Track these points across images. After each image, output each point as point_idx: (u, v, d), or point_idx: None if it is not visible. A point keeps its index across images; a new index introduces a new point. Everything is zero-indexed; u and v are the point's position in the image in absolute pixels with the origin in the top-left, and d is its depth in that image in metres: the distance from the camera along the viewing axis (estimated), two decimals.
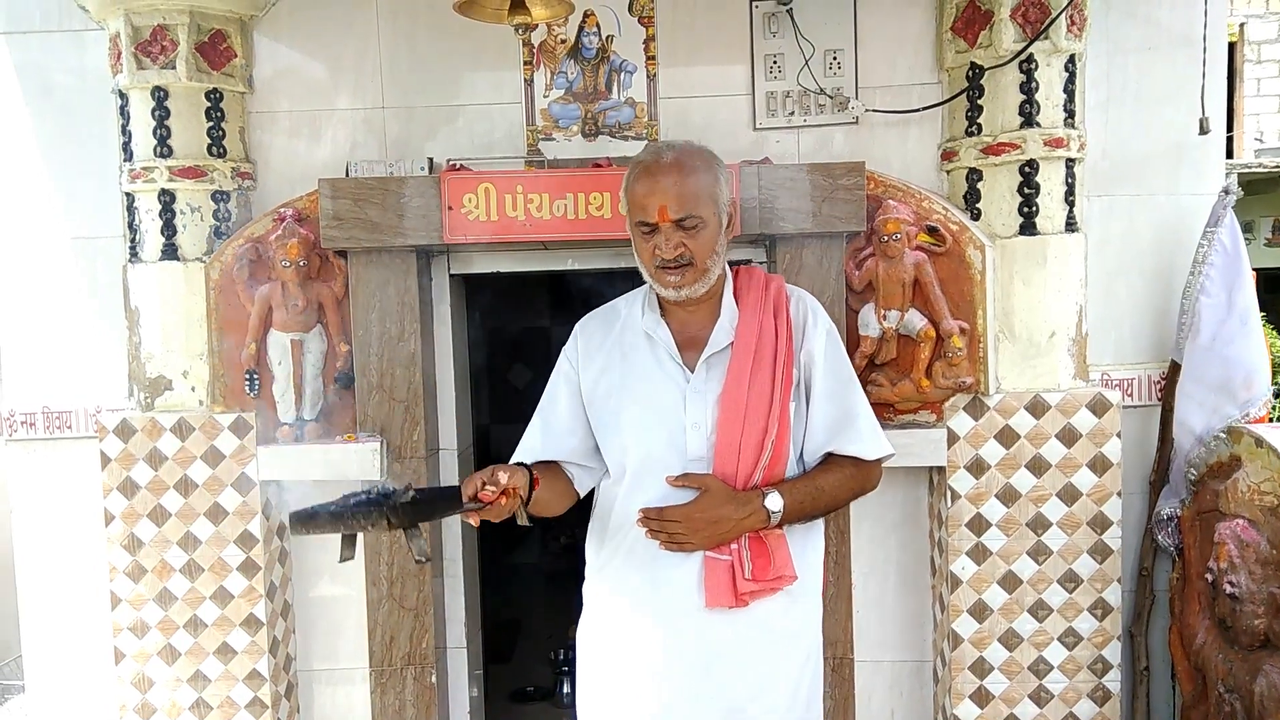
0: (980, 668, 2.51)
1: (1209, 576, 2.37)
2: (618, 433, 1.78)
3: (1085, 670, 2.50)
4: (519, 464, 1.77)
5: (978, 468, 2.50)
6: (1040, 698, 2.51)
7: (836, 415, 1.77)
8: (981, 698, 2.51)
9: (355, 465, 2.55)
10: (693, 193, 1.69)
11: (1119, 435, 2.49)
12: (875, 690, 2.69)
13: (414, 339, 2.57)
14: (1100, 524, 2.49)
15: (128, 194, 2.58)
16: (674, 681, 1.78)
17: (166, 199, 2.55)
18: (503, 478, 1.60)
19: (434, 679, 2.63)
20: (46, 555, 2.72)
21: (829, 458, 1.79)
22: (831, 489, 1.77)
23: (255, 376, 2.56)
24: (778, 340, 1.75)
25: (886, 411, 2.57)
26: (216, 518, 2.56)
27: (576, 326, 1.90)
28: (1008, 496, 2.50)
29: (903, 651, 2.70)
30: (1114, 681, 2.51)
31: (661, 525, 1.72)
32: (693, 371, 1.75)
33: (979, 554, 2.50)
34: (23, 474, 2.73)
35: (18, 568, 2.75)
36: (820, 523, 1.85)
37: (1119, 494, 2.50)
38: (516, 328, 4.70)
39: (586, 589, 1.93)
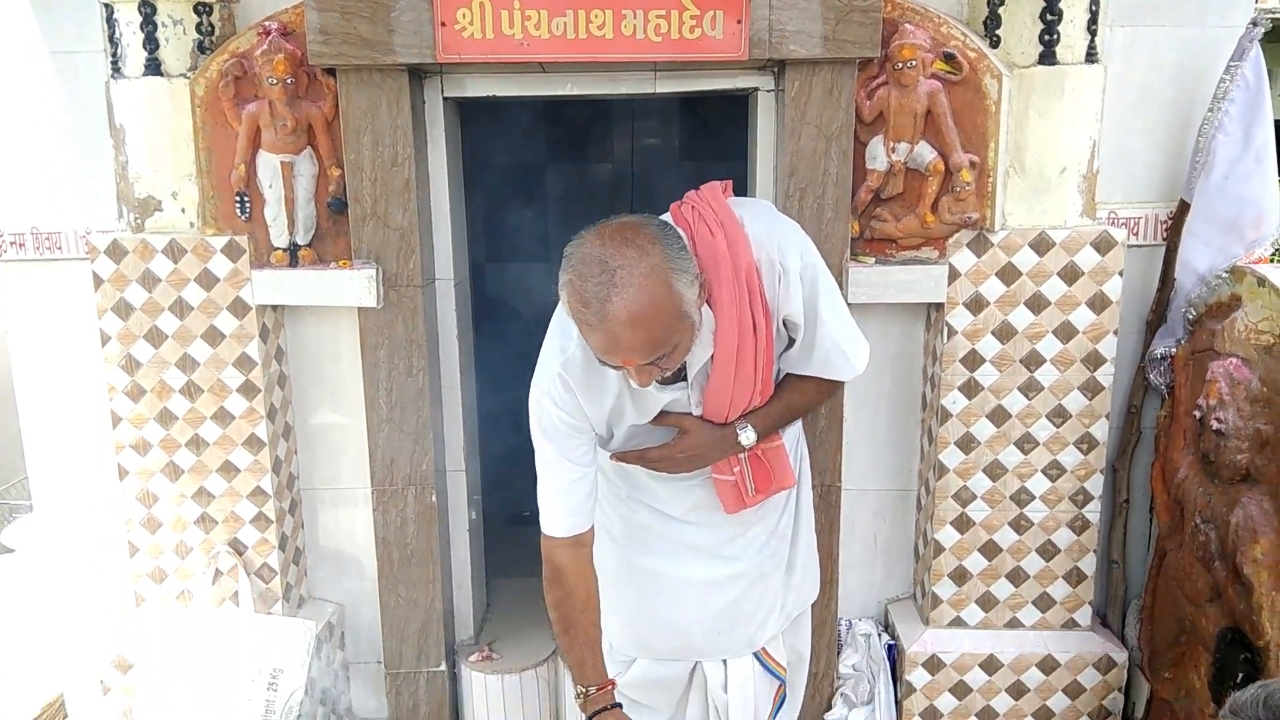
0: (963, 496, 2.59)
1: (1197, 413, 2.41)
2: (627, 438, 1.84)
3: (1066, 501, 2.58)
4: (617, 705, 1.78)
5: (976, 305, 2.50)
6: (1020, 525, 2.60)
7: (816, 353, 1.76)
8: (962, 524, 2.60)
9: (351, 292, 2.54)
10: (659, 337, 1.49)
11: (1121, 274, 2.48)
12: (859, 516, 2.78)
13: (408, 165, 2.50)
14: (1094, 361, 2.51)
15: (106, 4, 2.44)
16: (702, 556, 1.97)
17: (147, 10, 2.41)
18: None
19: (434, 499, 2.71)
20: (45, 376, 2.74)
21: None
22: (804, 404, 1.86)
23: (246, 199, 2.50)
24: (756, 335, 1.68)
25: (889, 247, 2.55)
26: (214, 340, 2.56)
27: (551, 390, 1.73)
28: (1004, 333, 2.51)
29: (888, 481, 2.77)
30: (1094, 512, 2.59)
31: (642, 462, 1.81)
32: (687, 381, 1.74)
33: (970, 389, 2.53)
34: (16, 295, 2.70)
35: (17, 388, 2.76)
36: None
37: (1115, 332, 2.51)
38: (512, 162, 4.59)
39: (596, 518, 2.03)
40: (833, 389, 1.88)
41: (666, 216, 1.70)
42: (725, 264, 1.63)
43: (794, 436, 2.00)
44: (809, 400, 1.87)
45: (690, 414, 1.78)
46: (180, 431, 2.60)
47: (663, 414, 1.79)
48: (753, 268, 1.65)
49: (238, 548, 2.66)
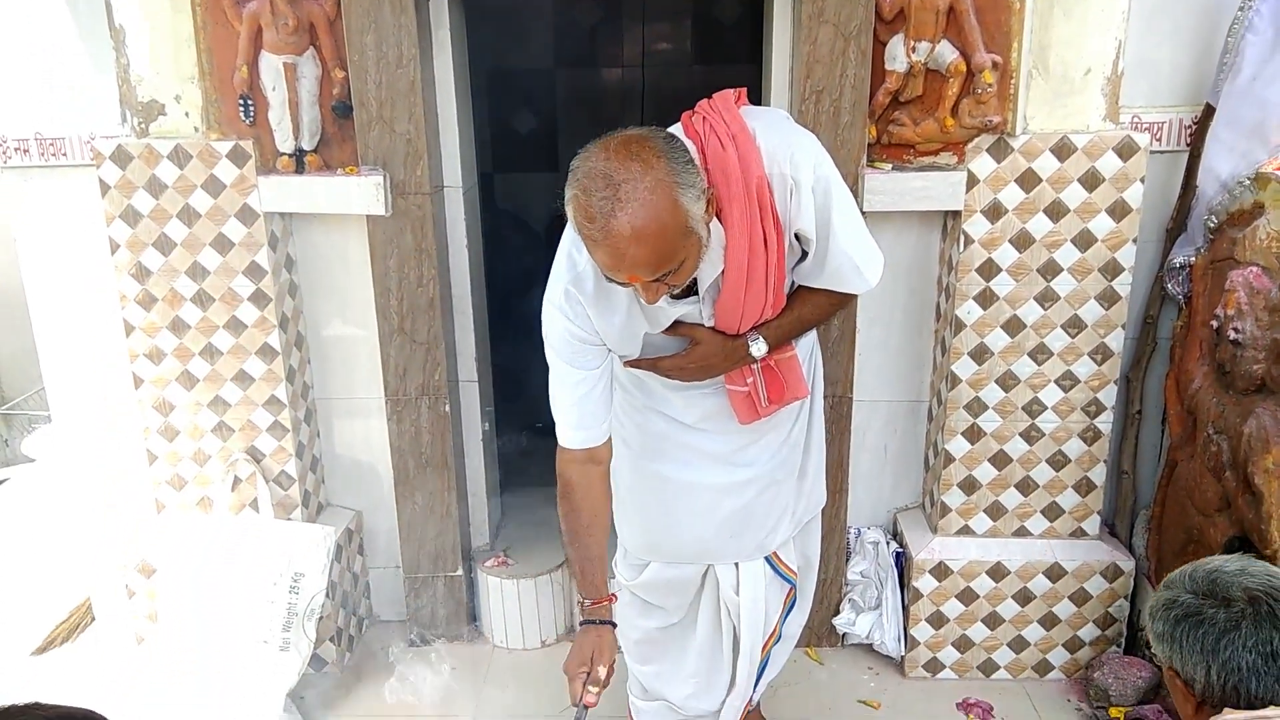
0: (975, 407, 2.58)
1: (1214, 323, 2.38)
2: (641, 349, 1.84)
3: (1079, 411, 2.57)
4: (607, 623, 1.81)
5: (994, 212, 2.46)
6: (1031, 436, 2.60)
7: (828, 267, 1.75)
8: (973, 434, 2.60)
9: (359, 200, 2.51)
10: (664, 253, 1.47)
11: (1142, 180, 2.42)
12: (870, 427, 2.79)
13: (413, 66, 2.44)
14: (1111, 270, 2.48)
15: None
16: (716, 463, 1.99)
17: None
18: (602, 673, 1.71)
19: (447, 409, 2.72)
20: (57, 285, 2.73)
21: None
22: (816, 316, 1.85)
23: (250, 102, 2.46)
24: (768, 250, 1.66)
25: (906, 153, 2.49)
26: (223, 248, 2.54)
27: (561, 304, 1.75)
28: (1022, 242, 2.47)
29: (900, 392, 2.77)
30: (1106, 423, 2.59)
31: (654, 369, 1.83)
32: (698, 296, 1.73)
33: (986, 299, 2.51)
34: (22, 203, 2.68)
35: (29, 298, 2.76)
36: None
37: (1134, 241, 2.46)
38: (519, 69, 4.49)
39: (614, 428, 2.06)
40: (845, 301, 1.87)
41: (677, 128, 1.67)
42: (736, 178, 1.60)
43: (807, 347, 2.00)
44: (821, 313, 1.87)
45: (702, 325, 1.78)
46: (193, 340, 2.60)
47: (675, 324, 1.79)
48: (764, 182, 1.62)
49: (255, 455, 2.69)
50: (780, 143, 1.64)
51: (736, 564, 2.09)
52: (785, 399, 1.89)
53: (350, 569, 2.90)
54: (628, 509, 2.13)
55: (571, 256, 1.73)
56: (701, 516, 2.04)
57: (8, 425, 4.13)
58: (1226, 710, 1.35)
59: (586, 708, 1.70)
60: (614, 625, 1.82)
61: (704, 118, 1.65)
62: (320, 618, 2.63)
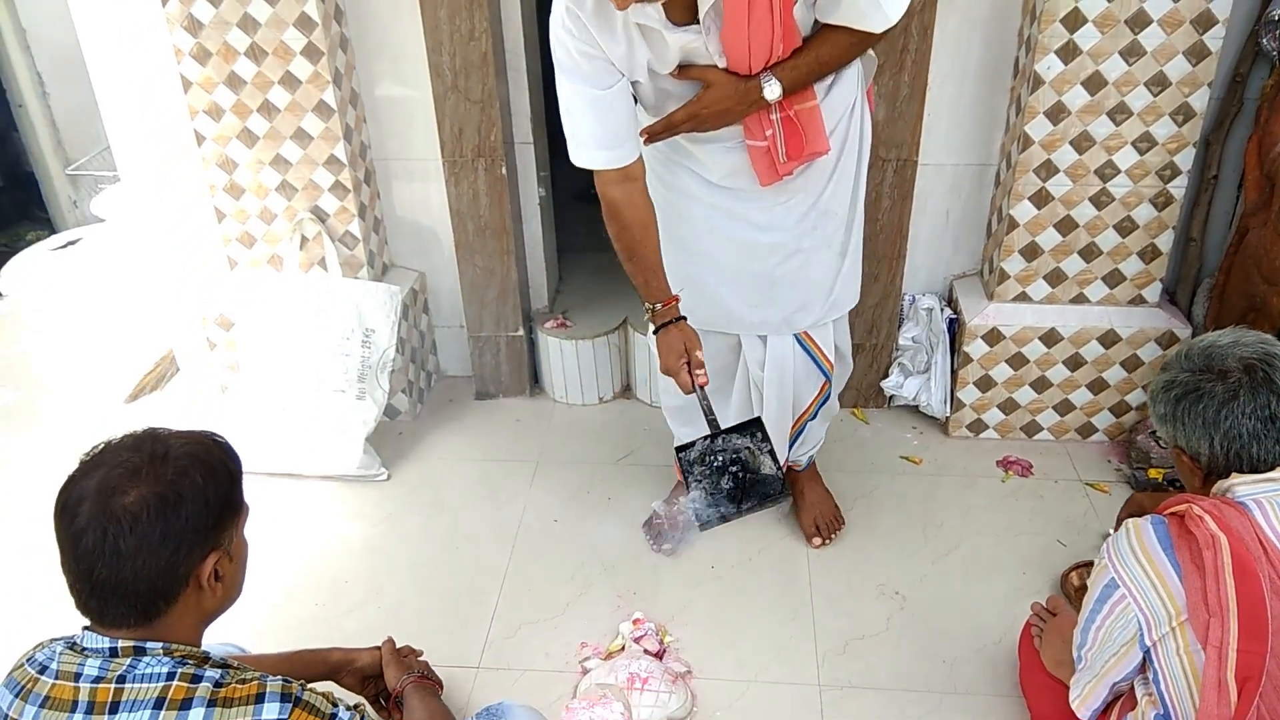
0: (1045, 170, 2.51)
1: None
2: (656, 99, 1.84)
3: (1153, 175, 2.49)
4: (681, 318, 1.88)
5: None
6: (1100, 201, 2.53)
7: (844, 4, 1.66)
8: (1041, 199, 2.54)
9: None
10: None
11: None
12: (934, 192, 2.73)
13: None
14: (1204, 23, 2.31)
15: None
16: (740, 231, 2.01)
17: None
18: (700, 355, 1.81)
19: (504, 171, 2.72)
20: (112, 40, 2.69)
21: None
22: (834, 58, 1.76)
23: None
24: None
25: None
26: None
27: (565, 22, 1.69)
28: None
29: (968, 155, 2.69)
30: (1179, 188, 2.50)
31: (669, 129, 1.80)
32: (699, 22, 1.65)
33: (1068, 52, 2.37)
34: None
35: (85, 54, 2.73)
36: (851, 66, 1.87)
37: None
38: None
39: None
40: (868, 41, 1.77)
41: None
42: None
43: (845, 105, 1.92)
44: (839, 53, 1.77)
45: (714, 66, 1.74)
46: (250, 96, 2.58)
47: (688, 69, 1.75)
48: None
49: (320, 215, 2.74)
50: None
51: (764, 339, 2.13)
52: (805, 155, 1.84)
53: (417, 327, 3.01)
54: None
55: (581, 4, 1.68)
56: (726, 279, 2.06)
57: (75, 186, 4.20)
58: (1234, 474, 1.40)
59: (703, 387, 1.81)
60: (686, 319, 1.89)
61: None
62: (392, 371, 2.77)
